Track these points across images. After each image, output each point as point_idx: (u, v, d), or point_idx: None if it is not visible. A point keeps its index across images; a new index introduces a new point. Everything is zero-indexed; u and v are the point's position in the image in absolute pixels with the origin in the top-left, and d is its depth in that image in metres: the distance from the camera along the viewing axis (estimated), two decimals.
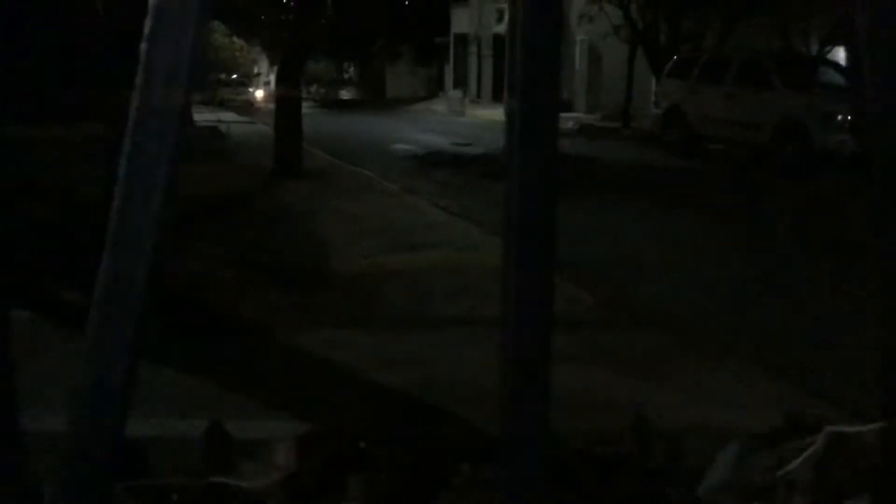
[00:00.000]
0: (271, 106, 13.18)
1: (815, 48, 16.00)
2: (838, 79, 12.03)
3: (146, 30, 0.62)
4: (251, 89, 35.43)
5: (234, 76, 38.64)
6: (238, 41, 38.81)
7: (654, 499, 0.78)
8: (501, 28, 25.23)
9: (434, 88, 34.25)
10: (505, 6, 24.85)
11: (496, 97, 27.60)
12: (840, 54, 14.83)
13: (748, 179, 11.18)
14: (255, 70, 42.45)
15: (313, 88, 32.78)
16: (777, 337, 4.31)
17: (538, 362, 0.62)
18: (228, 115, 18.98)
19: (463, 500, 0.86)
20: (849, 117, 10.52)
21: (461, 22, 31.12)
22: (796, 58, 14.91)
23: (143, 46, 0.63)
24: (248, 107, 28.15)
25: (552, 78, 0.67)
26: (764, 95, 12.18)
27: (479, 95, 30.10)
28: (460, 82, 30.79)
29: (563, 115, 16.76)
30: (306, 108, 12.94)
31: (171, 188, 0.64)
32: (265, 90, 32.95)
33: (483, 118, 22.75)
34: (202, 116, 16.40)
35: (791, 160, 11.43)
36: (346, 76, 38.43)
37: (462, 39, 31.36)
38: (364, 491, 0.70)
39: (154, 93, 0.63)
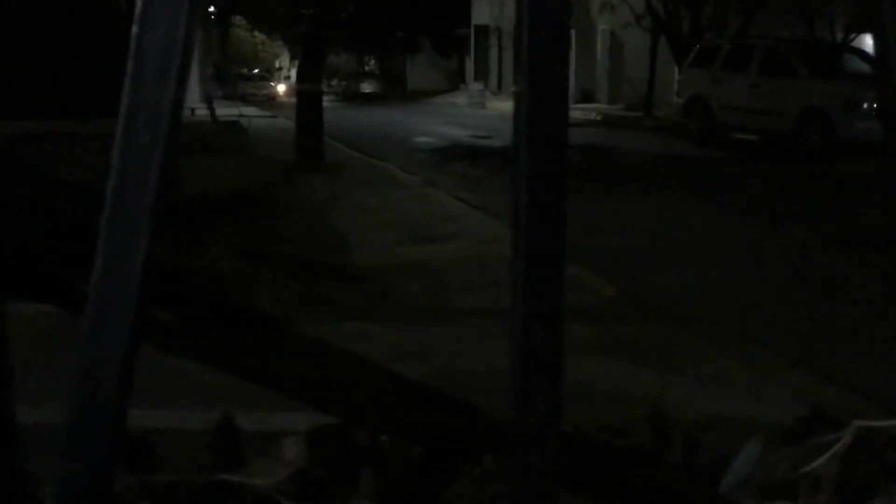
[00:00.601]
0: (293, 100, 13.23)
1: (839, 35, 15.79)
2: (863, 66, 11.87)
3: (136, 13, 0.61)
4: (272, 83, 35.59)
5: (256, 71, 38.82)
6: (259, 36, 38.98)
7: (672, 494, 0.75)
8: None
9: (455, 81, 34.22)
10: None
11: None
12: (865, 41, 14.63)
13: (771, 169, 11.06)
14: (277, 64, 42.66)
15: (334, 82, 32.85)
16: (800, 328, 4.25)
17: (549, 355, 0.60)
18: (250, 110, 19.08)
19: (481, 492, 0.84)
20: (874, 105, 10.36)
21: (482, 13, 31.03)
22: (820, 45, 14.74)
23: (134, 31, 0.61)
24: (270, 101, 28.28)
25: (561, 62, 0.64)
26: (787, 83, 12.05)
27: (499, 88, 30.02)
28: (481, 75, 30.73)
29: (585, 105, 16.81)
30: (327, 101, 12.98)
31: (165, 181, 0.62)
32: (286, 84, 33.09)
33: (504, 111, 22.68)
34: (224, 111, 16.48)
35: (815, 149, 11.31)
36: (366, 69, 38.48)
37: (483, 31, 31.29)
38: (376, 485, 0.68)
39: (146, 83, 0.61)
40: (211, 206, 6.83)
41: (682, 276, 5.30)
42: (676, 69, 16.16)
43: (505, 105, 24.09)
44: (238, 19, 35.10)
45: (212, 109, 15.23)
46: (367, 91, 32.94)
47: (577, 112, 20.37)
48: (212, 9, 26.86)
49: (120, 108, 0.62)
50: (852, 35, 15.29)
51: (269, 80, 36.75)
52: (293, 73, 24.96)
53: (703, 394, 3.18)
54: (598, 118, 18.73)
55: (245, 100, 26.31)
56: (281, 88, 33.38)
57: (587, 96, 23.69)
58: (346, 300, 4.83)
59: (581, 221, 7.16)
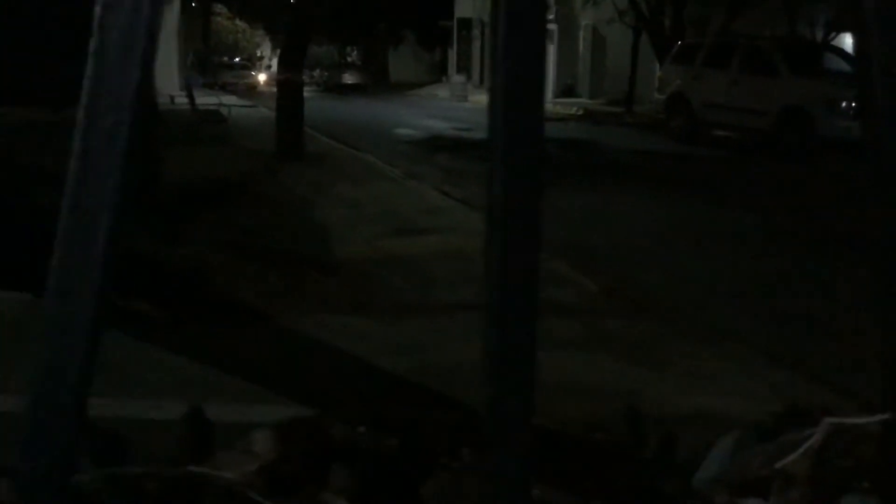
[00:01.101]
0: (273, 90, 13.14)
1: (820, 34, 15.91)
2: (844, 65, 11.97)
3: None
4: (253, 73, 35.31)
5: (237, 59, 38.49)
6: (241, 24, 38.66)
7: (647, 489, 0.76)
8: None
9: (437, 73, 34.14)
10: None
11: None
12: (845, 40, 14.74)
13: (751, 166, 11.14)
14: (259, 53, 42.33)
15: (316, 72, 32.63)
16: (779, 325, 4.29)
17: (523, 351, 0.61)
18: (230, 99, 18.93)
19: (458, 486, 0.84)
20: (853, 104, 10.47)
21: (465, 6, 30.95)
22: (801, 44, 14.84)
23: (97, 11, 0.60)
24: (251, 90, 28.07)
25: (537, 54, 0.64)
26: (768, 82, 12.13)
27: (482, 81, 29.97)
28: (463, 67, 30.67)
29: (566, 100, 16.85)
30: (308, 92, 12.90)
31: (129, 167, 0.61)
32: (267, 74, 32.85)
33: (485, 104, 22.63)
34: (204, 100, 16.34)
35: (795, 147, 11.40)
36: (348, 60, 38.28)
37: (466, 24, 31.21)
38: (348, 480, 0.68)
39: (108, 65, 0.60)
40: (191, 197, 6.78)
41: (663, 272, 5.34)
42: (658, 65, 16.22)
43: (487, 98, 24.04)
44: (220, 7, 34.80)
45: (191, 98, 15.10)
46: (349, 82, 32.76)
47: (558, 107, 20.40)
48: None
49: (82, 91, 0.61)
50: (833, 34, 15.41)
51: (251, 69, 36.46)
52: (274, 62, 24.78)
53: (682, 389, 3.20)
54: (580, 113, 18.77)
55: (225, 89, 26.10)
56: (262, 78, 33.13)
57: (569, 91, 23.72)
58: (328, 293, 4.81)
59: (561, 216, 7.18)
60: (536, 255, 0.62)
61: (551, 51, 24.18)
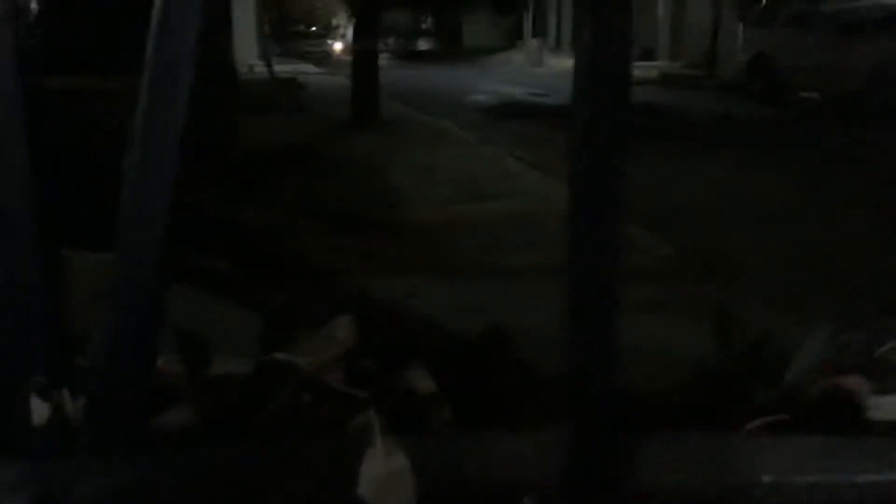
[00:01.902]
0: (349, 58, 13.22)
1: None
2: None
3: None
4: (329, 41, 35.54)
5: (313, 28, 38.79)
6: None
7: (736, 389, 0.75)
8: None
9: (512, 38, 33.73)
10: None
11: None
12: None
13: (839, 130, 10.72)
14: (333, 22, 42.56)
15: (390, 40, 32.62)
16: (861, 293, 4.16)
17: (606, 314, 0.61)
18: (307, 67, 19.12)
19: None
20: None
21: None
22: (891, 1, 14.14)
23: None
24: (327, 58, 28.30)
25: (624, 13, 0.64)
26: (857, 41, 11.62)
27: (558, 44, 29.50)
28: (539, 31, 30.21)
29: (644, 63, 16.48)
30: (383, 59, 12.94)
31: (181, 140, 0.64)
32: (343, 42, 33.01)
33: (562, 68, 22.28)
34: (281, 68, 16.56)
35: (885, 109, 10.93)
36: (422, 27, 38.13)
37: None
38: (425, 375, 0.68)
39: (170, 37, 0.63)
40: (268, 162, 6.91)
41: (739, 237, 5.22)
42: (741, 26, 15.70)
43: (563, 62, 23.66)
44: None
45: (270, 66, 15.32)
46: (423, 49, 32.67)
47: (636, 70, 19.85)
48: None
49: (145, 60, 0.64)
50: None
51: (326, 37, 36.68)
52: (349, 31, 24.87)
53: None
54: (658, 77, 18.33)
55: (302, 57, 26.37)
56: (337, 46, 33.33)
57: (647, 54, 23.15)
58: (398, 256, 4.87)
59: (636, 181, 7.04)
60: (622, 216, 0.62)
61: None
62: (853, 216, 5.86)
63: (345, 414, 0.65)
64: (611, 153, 0.63)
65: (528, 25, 32.05)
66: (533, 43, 26.15)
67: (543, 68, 22.70)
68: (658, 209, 5.63)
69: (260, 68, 15.56)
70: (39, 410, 0.60)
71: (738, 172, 7.55)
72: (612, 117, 0.62)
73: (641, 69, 19.95)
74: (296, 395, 0.68)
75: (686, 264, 4.68)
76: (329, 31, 39.73)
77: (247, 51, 16.99)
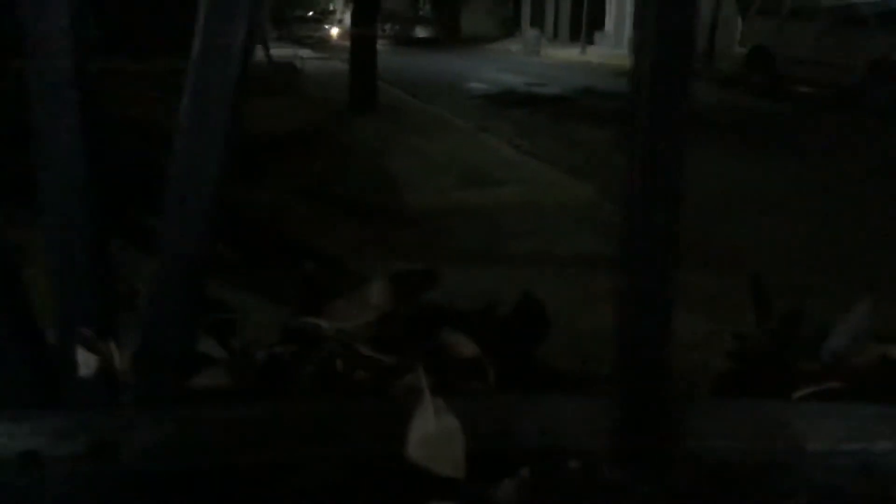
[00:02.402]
0: (346, 43, 13.17)
1: None
2: None
3: None
4: (326, 26, 35.43)
5: (311, 13, 38.65)
6: None
7: (773, 360, 0.74)
8: None
9: (510, 27, 33.67)
10: None
11: (573, 37, 26.97)
12: None
13: (838, 123, 10.73)
14: (330, 7, 42.34)
15: (387, 26, 32.53)
16: (867, 287, 4.17)
17: (660, 275, 0.60)
18: (304, 52, 19.07)
19: None
20: None
21: None
22: None
23: None
24: (324, 43, 28.21)
25: (689, 5, 0.63)
26: (856, 35, 11.61)
27: (555, 35, 29.47)
28: (537, 21, 30.16)
29: None
30: (381, 45, 12.89)
31: (234, 127, 0.63)
32: (340, 27, 32.90)
33: (559, 58, 22.29)
34: (279, 52, 16.50)
35: (884, 103, 10.93)
36: (420, 14, 38.01)
37: None
38: (460, 341, 0.67)
39: (217, 26, 0.62)
40: (267, 146, 6.89)
41: (740, 227, 5.23)
42: (740, 18, 15.68)
43: (560, 53, 23.65)
44: None
45: (267, 50, 15.26)
46: (421, 36, 32.60)
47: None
48: None
49: (192, 48, 0.63)
50: None
51: (324, 22, 36.56)
52: (347, 16, 24.76)
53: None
54: None
55: (300, 42, 26.27)
56: (334, 32, 33.23)
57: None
58: (399, 241, 4.87)
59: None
60: (678, 203, 0.61)
61: (626, 2, 23.61)
62: (844, 205, 5.87)
63: (379, 381, 0.64)
64: (672, 141, 0.62)
65: (525, 15, 31.98)
66: (531, 33, 26.10)
67: (541, 58, 22.67)
68: None
69: (258, 52, 15.50)
70: (87, 362, 0.60)
71: (739, 164, 7.55)
72: (673, 103, 0.61)
73: None
74: (327, 362, 0.68)
75: (686, 251, 4.69)
76: (326, 17, 39.58)
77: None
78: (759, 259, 4.46)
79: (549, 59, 21.98)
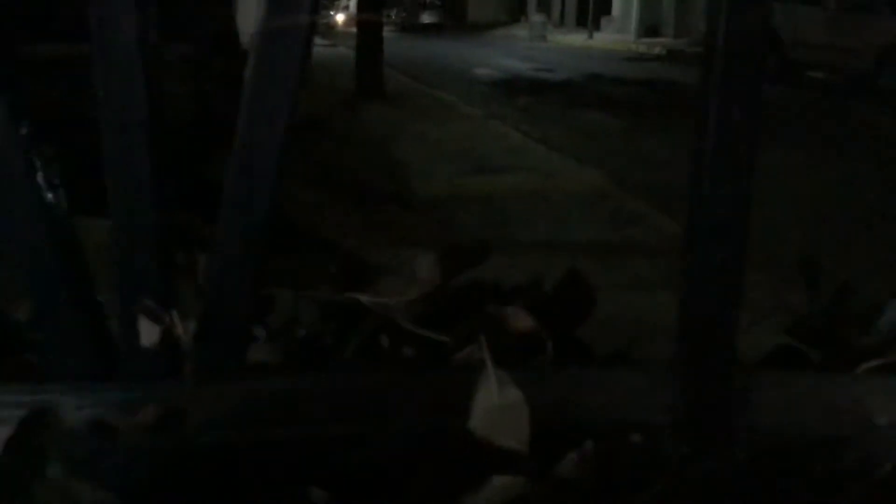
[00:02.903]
0: (352, 29, 13.13)
1: None
2: None
3: None
4: (332, 13, 35.34)
5: None
6: None
7: (824, 336, 0.74)
8: None
9: (516, 13, 33.53)
10: None
11: (580, 22, 26.85)
12: None
13: (847, 109, 10.68)
14: None
15: (393, 12, 32.45)
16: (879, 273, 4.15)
17: (729, 248, 0.60)
18: None
19: None
20: None
21: None
22: None
23: None
24: (329, 30, 28.15)
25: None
26: (867, 19, 11.53)
27: (562, 20, 29.34)
28: (543, 7, 30.02)
29: (650, 39, 16.35)
30: (386, 31, 12.84)
31: (292, 113, 0.63)
32: (345, 14, 32.82)
33: (566, 44, 22.19)
34: None
35: (893, 88, 10.88)
36: (426, 0, 37.88)
37: None
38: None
39: (278, 15, 0.62)
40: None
41: (760, 214, 5.21)
42: None
43: (567, 38, 23.55)
44: None
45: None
46: (427, 22, 32.49)
47: (641, 46, 19.84)
48: None
49: (254, 34, 0.63)
50: None
51: (329, 9, 36.47)
52: (352, 2, 24.68)
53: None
54: (663, 53, 18.24)
55: None
56: (340, 18, 33.15)
57: (652, 30, 23.03)
58: (406, 229, 4.86)
59: (643, 157, 7.06)
60: (749, 185, 0.60)
61: None
62: (852, 193, 5.84)
63: (426, 357, 0.64)
64: (744, 128, 0.61)
65: (532, 0, 31.84)
66: (537, 18, 25.98)
67: (547, 43, 22.58)
68: (664, 186, 5.62)
69: None
70: (149, 332, 0.59)
71: None
72: (749, 75, 0.60)
73: (647, 45, 19.86)
74: (371, 338, 0.67)
75: None
76: (331, 3, 39.46)
77: (249, 22, 16.87)
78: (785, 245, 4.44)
79: (555, 45, 21.89)
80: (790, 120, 9.45)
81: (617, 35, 23.33)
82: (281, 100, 0.62)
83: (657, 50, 18.75)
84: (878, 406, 0.60)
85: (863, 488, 0.54)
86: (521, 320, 0.63)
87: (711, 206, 0.59)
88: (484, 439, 0.55)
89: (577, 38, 23.20)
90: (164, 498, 0.55)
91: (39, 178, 0.63)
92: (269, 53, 0.62)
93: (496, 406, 0.55)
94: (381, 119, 8.63)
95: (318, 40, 19.28)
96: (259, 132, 0.63)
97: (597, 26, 24.56)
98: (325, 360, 0.69)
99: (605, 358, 0.73)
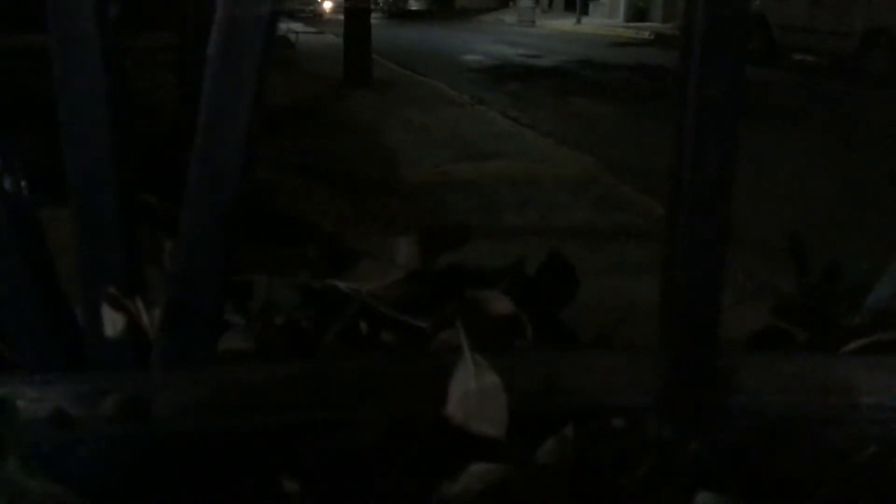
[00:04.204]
0: (339, 17, 13.06)
1: None
2: None
3: None
4: (319, 0, 35.11)
5: None
6: None
7: (813, 315, 0.73)
8: None
9: None
10: None
11: (568, 7, 26.79)
12: None
13: (833, 92, 10.70)
14: None
15: None
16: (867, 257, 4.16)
17: (711, 227, 0.58)
18: (297, 26, 18.93)
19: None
20: None
21: None
22: None
23: None
24: (317, 17, 28.00)
25: None
26: (852, 3, 11.54)
27: (550, 5, 29.27)
28: None
29: (637, 24, 16.32)
30: (374, 18, 12.79)
31: (258, 105, 0.61)
32: (332, 2, 32.62)
33: (554, 29, 22.15)
34: None
35: (880, 72, 10.89)
36: None
37: None
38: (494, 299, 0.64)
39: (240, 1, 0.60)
40: (260, 121, 6.83)
41: (733, 199, 5.21)
42: None
43: (556, 23, 23.49)
44: None
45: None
46: (415, 8, 32.32)
47: (628, 31, 19.82)
48: None
49: (214, 21, 0.60)
50: None
51: None
52: None
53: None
54: (651, 37, 18.22)
55: (292, 16, 26.06)
56: (328, 5, 32.94)
57: (640, 15, 23.00)
58: (394, 216, 4.85)
59: (631, 141, 7.06)
60: (731, 179, 0.59)
61: None
62: (835, 176, 5.86)
63: (405, 342, 0.62)
64: (724, 113, 0.60)
65: None
66: (525, 3, 25.89)
67: (536, 29, 22.52)
68: (653, 171, 5.60)
69: None
70: (113, 321, 0.58)
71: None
72: (730, 48, 0.58)
73: (634, 30, 19.83)
74: (350, 324, 0.66)
75: None
76: None
77: None
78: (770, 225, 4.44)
79: (544, 30, 21.84)
80: (775, 102, 9.46)
81: (605, 20, 23.28)
82: (246, 79, 0.60)
83: (646, 35, 18.73)
84: (864, 386, 0.59)
85: (849, 469, 0.54)
86: (501, 304, 0.62)
87: (694, 183, 0.57)
88: (461, 425, 0.53)
89: (565, 24, 23.14)
90: (129, 490, 0.54)
91: None
92: (234, 31, 0.60)
93: (473, 391, 0.54)
94: (368, 106, 8.60)
95: (305, 28, 19.19)
96: (224, 112, 0.61)
97: (585, 11, 24.50)
98: (303, 347, 0.68)
99: (588, 341, 0.72)
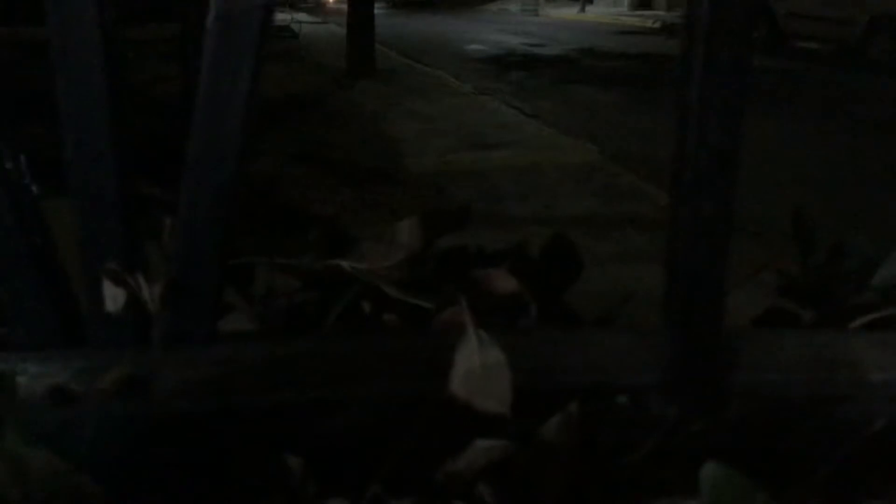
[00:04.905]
0: (343, 7, 13.03)
1: None
2: None
3: None
4: None
5: None
6: None
7: (817, 293, 0.72)
8: None
9: None
10: None
11: None
12: None
13: (838, 78, 10.65)
14: None
15: None
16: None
17: (718, 225, 0.58)
18: (300, 16, 18.89)
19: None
20: None
21: None
22: None
23: None
24: (320, 7, 27.94)
25: None
26: None
27: None
28: None
29: (642, 12, 16.22)
30: (377, 8, 12.75)
31: (253, 97, 0.61)
32: None
33: (558, 17, 22.06)
34: (276, 16, 16.31)
35: (885, 59, 10.85)
36: None
37: None
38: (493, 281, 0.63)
39: None
40: (264, 111, 6.84)
41: (741, 187, 5.20)
42: None
43: (559, 12, 23.40)
44: None
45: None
46: None
47: (633, 19, 19.74)
48: None
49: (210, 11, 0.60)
50: None
51: None
52: None
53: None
54: (656, 25, 18.14)
55: (294, 6, 26.00)
56: None
57: (645, 3, 22.90)
58: (399, 205, 4.85)
59: (635, 130, 7.03)
60: (736, 159, 0.58)
61: None
62: (841, 161, 5.84)
63: (409, 322, 0.62)
64: (730, 89, 0.59)
65: None
66: None
67: (539, 17, 22.44)
68: (657, 160, 5.60)
69: None
70: (114, 297, 0.57)
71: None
72: (737, 18, 0.57)
73: (639, 18, 19.75)
74: (353, 305, 0.65)
75: None
76: None
77: None
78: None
79: (547, 19, 21.76)
80: (782, 89, 9.42)
81: (609, 8, 23.19)
82: (244, 58, 0.60)
83: (650, 23, 18.65)
84: (872, 361, 0.59)
85: (857, 445, 0.53)
86: (505, 282, 0.61)
87: (697, 159, 0.57)
88: (465, 402, 0.53)
89: (569, 12, 23.04)
90: (130, 467, 0.54)
91: None
92: (231, 19, 0.59)
93: (477, 367, 0.53)
94: (372, 96, 8.58)
95: (307, 17, 19.16)
96: (223, 89, 0.60)
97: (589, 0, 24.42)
98: (305, 328, 0.67)
99: (592, 322, 0.71)
